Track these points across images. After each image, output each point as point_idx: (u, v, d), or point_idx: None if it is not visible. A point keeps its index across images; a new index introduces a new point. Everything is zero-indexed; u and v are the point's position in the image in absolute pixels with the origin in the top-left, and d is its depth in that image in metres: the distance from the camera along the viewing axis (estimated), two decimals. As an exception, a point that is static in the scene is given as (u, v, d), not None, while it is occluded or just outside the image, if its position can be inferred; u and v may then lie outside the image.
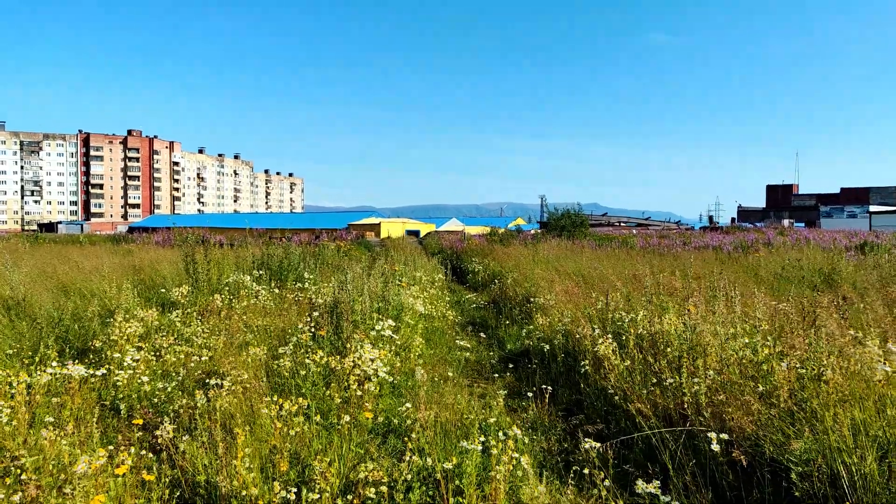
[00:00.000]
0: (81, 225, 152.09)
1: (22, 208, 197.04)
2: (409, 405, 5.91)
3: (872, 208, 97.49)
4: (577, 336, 7.55)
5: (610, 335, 6.80)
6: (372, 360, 6.20)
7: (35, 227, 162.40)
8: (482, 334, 10.91)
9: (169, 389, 6.64)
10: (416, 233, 74.67)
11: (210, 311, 10.25)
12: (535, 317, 9.39)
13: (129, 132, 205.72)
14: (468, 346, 10.25)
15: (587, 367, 6.78)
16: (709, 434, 4.22)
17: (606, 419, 6.13)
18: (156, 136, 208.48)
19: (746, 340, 5.21)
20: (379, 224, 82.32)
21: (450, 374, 7.94)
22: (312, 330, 7.07)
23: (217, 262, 12.93)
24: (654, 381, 5.68)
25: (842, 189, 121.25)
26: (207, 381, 6.44)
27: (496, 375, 8.27)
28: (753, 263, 16.34)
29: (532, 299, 10.87)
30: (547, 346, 8.06)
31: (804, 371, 4.20)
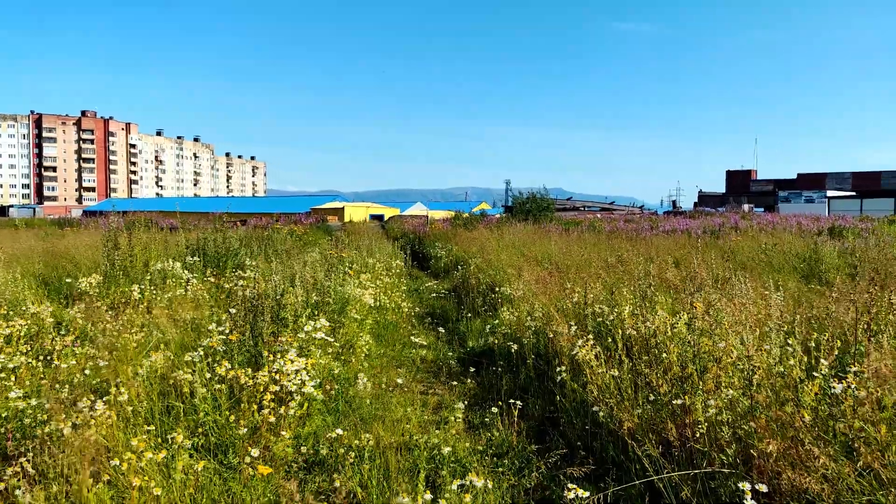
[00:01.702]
0: (34, 209, 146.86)
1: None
2: (340, 431, 4.66)
3: (830, 193, 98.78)
4: (551, 335, 6.35)
5: (591, 335, 5.61)
6: (297, 372, 4.91)
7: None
8: (441, 329, 9.67)
9: (47, 407, 5.27)
10: (380, 217, 73.22)
11: (126, 305, 8.84)
12: (501, 310, 8.19)
13: (84, 113, 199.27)
14: (425, 343, 8.99)
15: (564, 375, 5.59)
16: (740, 484, 3.06)
17: (589, 443, 4.94)
18: (111, 118, 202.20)
19: (779, 353, 4.03)
20: (342, 208, 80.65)
21: (399, 380, 6.69)
22: (226, 332, 5.74)
23: (143, 246, 11.44)
24: (651, 397, 4.51)
25: (798, 174, 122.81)
26: (100, 395, 5.09)
27: (454, 382, 7.04)
28: (730, 248, 15.39)
29: (497, 289, 9.65)
30: (515, 346, 6.85)
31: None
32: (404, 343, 8.92)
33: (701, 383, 4.24)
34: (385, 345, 8.84)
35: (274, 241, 16.53)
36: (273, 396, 4.62)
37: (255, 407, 4.52)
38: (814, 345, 4.38)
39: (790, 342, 4.19)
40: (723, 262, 9.92)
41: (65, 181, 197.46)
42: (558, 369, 5.71)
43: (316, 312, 6.90)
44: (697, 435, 3.70)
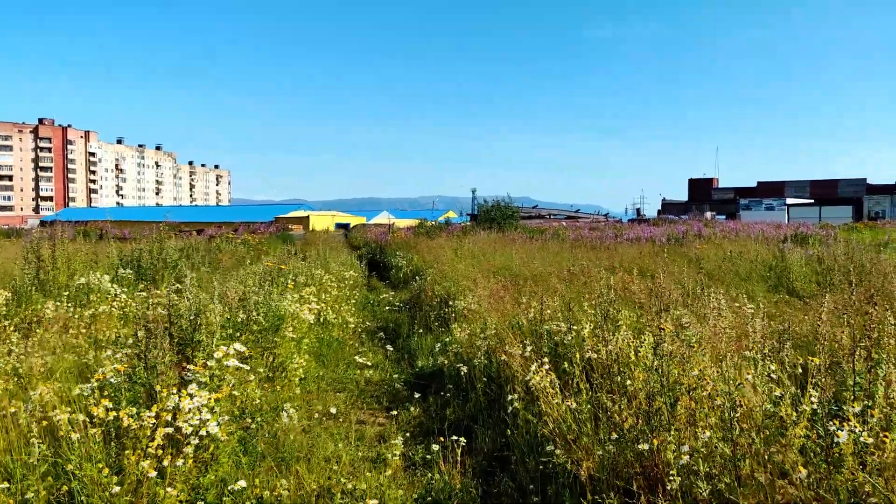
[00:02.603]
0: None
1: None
2: (243, 483, 3.90)
3: (790, 201, 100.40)
4: (503, 357, 5.66)
5: (546, 358, 4.93)
6: (198, 409, 4.12)
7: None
8: (390, 346, 8.91)
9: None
10: (346, 226, 72.23)
11: (39, 323, 7.96)
12: (453, 327, 7.48)
13: (41, 121, 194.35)
14: (371, 362, 8.25)
15: (516, 404, 4.90)
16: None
17: (543, 487, 4.24)
18: (70, 126, 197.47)
19: (762, 385, 3.38)
20: (307, 217, 79.44)
21: (333, 409, 5.92)
22: (122, 360, 4.93)
23: (67, 259, 10.49)
24: (613, 435, 3.83)
25: (759, 183, 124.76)
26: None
27: (397, 409, 6.31)
28: (696, 256, 14.93)
29: (451, 302, 8.95)
30: (464, 368, 6.14)
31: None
32: (349, 363, 8.16)
33: (672, 418, 3.58)
34: (327, 366, 8.07)
35: (222, 251, 15.60)
36: (164, 441, 3.84)
37: (141, 454, 3.74)
38: (800, 371, 3.76)
39: (772, 368, 3.56)
40: (690, 272, 9.38)
41: (21, 190, 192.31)
42: (510, 397, 5.02)
43: (238, 333, 6.11)
44: (669, 489, 3.03)
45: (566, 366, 4.85)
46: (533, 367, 4.85)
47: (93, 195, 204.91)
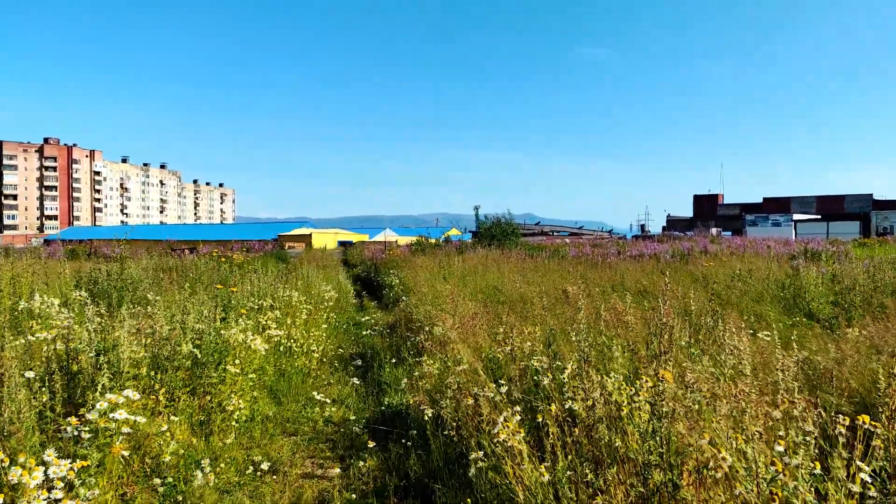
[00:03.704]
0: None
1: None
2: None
3: (796, 216, 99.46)
4: (470, 401, 4.66)
5: (519, 405, 3.95)
6: (50, 482, 3.15)
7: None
8: (361, 378, 7.90)
9: None
10: (348, 243, 71.57)
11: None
12: (424, 359, 6.49)
13: (46, 140, 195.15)
14: (334, 397, 7.25)
15: (480, 463, 3.91)
16: None
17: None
18: (75, 145, 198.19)
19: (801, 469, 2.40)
20: (310, 235, 78.79)
21: (266, 464, 4.93)
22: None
23: (12, 279, 9.54)
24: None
25: (764, 198, 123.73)
26: None
27: (352, 459, 5.31)
28: (702, 274, 13.92)
29: (427, 328, 7.95)
30: (430, 411, 5.15)
31: None
32: (309, 398, 7.16)
33: (674, 504, 2.60)
34: (283, 402, 7.08)
35: (197, 270, 14.65)
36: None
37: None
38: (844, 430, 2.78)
39: (806, 439, 2.58)
40: (697, 294, 8.41)
41: (26, 209, 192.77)
42: (472, 455, 4.02)
43: (155, 373, 5.14)
44: None
45: (543, 420, 3.86)
46: (501, 419, 3.87)
47: (97, 214, 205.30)
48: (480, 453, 4.04)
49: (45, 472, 3.16)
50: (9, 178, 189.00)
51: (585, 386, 3.52)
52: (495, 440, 3.80)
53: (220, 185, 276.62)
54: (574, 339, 5.11)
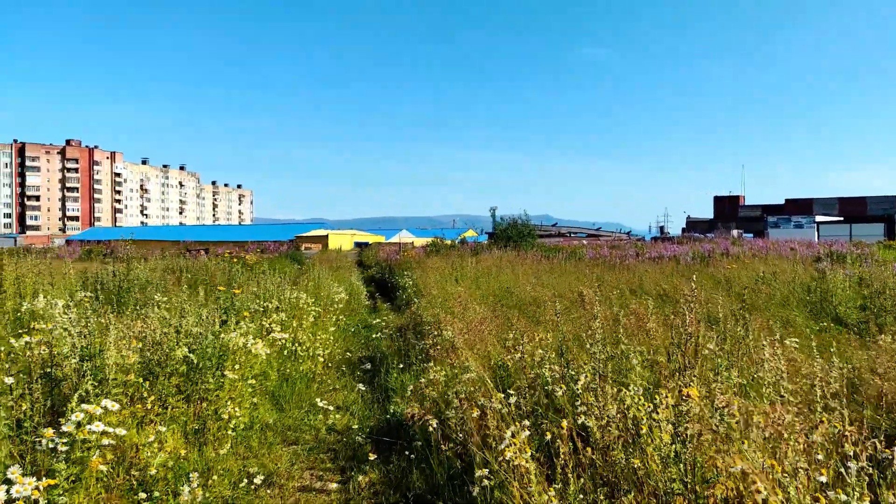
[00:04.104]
0: (15, 238, 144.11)
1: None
2: None
3: (819, 218, 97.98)
4: (475, 413, 4.35)
5: (528, 419, 3.64)
6: (17, 500, 2.89)
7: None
8: (362, 385, 7.60)
9: None
10: (365, 244, 71.55)
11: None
12: (431, 365, 6.18)
13: (68, 142, 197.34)
14: (339, 403, 6.97)
15: (487, 483, 3.61)
16: None
17: None
18: (96, 147, 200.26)
19: None
20: (326, 236, 78.84)
21: (260, 478, 4.64)
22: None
23: (17, 280, 9.39)
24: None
25: (786, 200, 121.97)
26: None
27: (353, 471, 5.02)
28: (725, 277, 13.50)
29: (435, 332, 7.64)
30: (434, 422, 4.85)
31: None
32: (312, 405, 6.89)
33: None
34: (287, 409, 6.80)
35: (207, 272, 14.47)
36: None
37: None
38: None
39: (851, 467, 2.25)
40: (719, 297, 8.04)
41: (48, 210, 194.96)
42: (478, 473, 3.71)
43: (144, 379, 4.87)
44: None
45: (552, 432, 3.54)
46: (508, 434, 3.56)
47: (118, 215, 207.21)
48: (485, 471, 3.73)
49: (8, 490, 2.91)
50: (31, 179, 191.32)
51: (600, 403, 3.19)
52: (501, 458, 3.49)
53: (238, 186, 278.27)
54: (589, 347, 4.78)
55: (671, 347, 3.54)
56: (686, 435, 2.59)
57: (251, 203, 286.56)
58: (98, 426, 3.51)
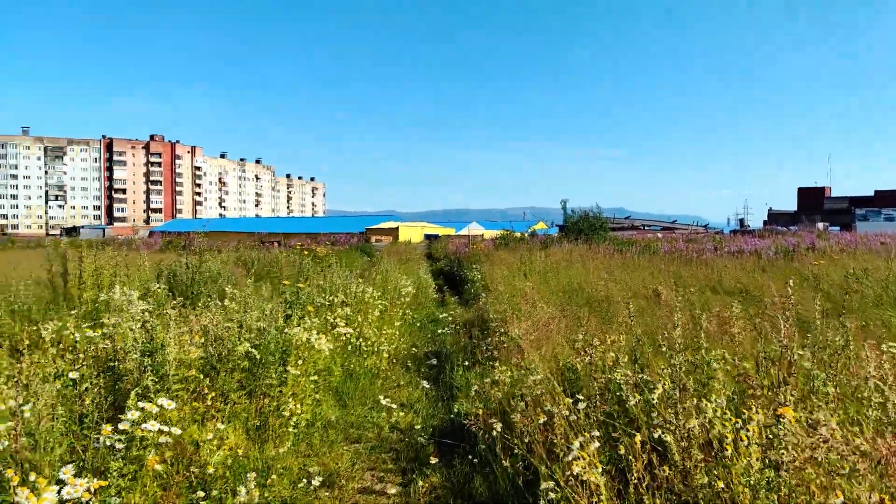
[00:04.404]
0: (103, 229, 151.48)
1: (46, 213, 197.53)
2: None
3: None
4: (542, 419, 4.10)
5: (598, 429, 3.38)
6: (68, 502, 2.84)
7: (59, 232, 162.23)
8: (427, 383, 7.42)
9: None
10: (434, 237, 71.81)
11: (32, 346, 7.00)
12: (496, 365, 5.96)
13: (152, 137, 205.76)
14: (403, 401, 6.84)
15: (553, 496, 3.37)
16: None
17: None
18: (178, 141, 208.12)
19: None
20: (397, 228, 79.49)
21: (319, 478, 4.52)
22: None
23: (95, 272, 9.67)
24: None
25: (876, 192, 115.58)
26: None
27: (414, 474, 4.86)
28: (812, 274, 12.73)
29: (502, 329, 7.40)
30: (498, 426, 4.63)
31: None
32: (375, 402, 6.78)
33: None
34: (350, 405, 6.72)
35: (278, 264, 14.65)
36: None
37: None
38: None
39: None
40: (807, 296, 7.50)
41: (133, 202, 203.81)
42: (543, 486, 3.48)
43: (205, 375, 4.83)
44: None
45: (626, 444, 3.26)
46: (576, 444, 3.31)
47: (198, 207, 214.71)
48: (551, 483, 3.49)
49: (59, 491, 2.86)
50: (118, 173, 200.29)
51: (680, 420, 2.90)
52: (568, 472, 3.25)
53: (312, 179, 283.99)
54: (666, 351, 4.45)
55: (760, 358, 3.20)
56: (781, 460, 2.28)
57: (324, 196, 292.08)
58: (154, 425, 3.45)
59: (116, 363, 4.41)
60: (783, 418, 2.41)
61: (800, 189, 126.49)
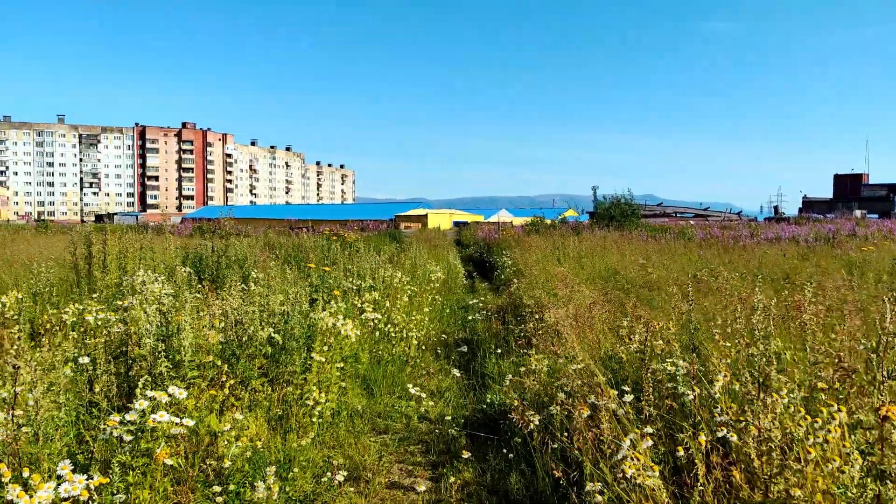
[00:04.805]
0: (136, 216, 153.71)
1: (81, 199, 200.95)
2: None
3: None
4: (585, 413, 3.75)
5: (651, 426, 3.02)
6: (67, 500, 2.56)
7: (93, 218, 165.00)
8: (457, 371, 7.09)
9: None
10: (463, 223, 71.40)
11: (49, 331, 6.83)
12: (532, 353, 5.60)
13: (184, 125, 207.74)
14: (433, 389, 6.54)
15: (600, 499, 3.03)
16: None
17: None
18: (209, 129, 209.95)
19: None
20: (426, 215, 79.22)
21: (343, 473, 4.23)
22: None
23: (120, 254, 9.50)
24: None
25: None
26: None
27: (444, 468, 4.55)
28: (861, 259, 12.14)
29: (538, 316, 7.04)
30: (536, 419, 4.29)
31: None
32: (404, 390, 6.48)
33: None
34: (378, 393, 6.43)
35: (305, 249, 14.43)
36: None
37: None
38: None
39: None
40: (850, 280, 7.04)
41: (166, 189, 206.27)
42: (589, 486, 3.14)
43: (223, 361, 4.55)
44: None
45: (684, 446, 2.91)
46: (627, 443, 2.96)
47: (229, 194, 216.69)
48: (598, 485, 3.14)
49: (56, 489, 2.59)
50: (151, 160, 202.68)
51: (759, 422, 2.52)
52: (618, 473, 2.90)
53: (341, 166, 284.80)
54: (718, 336, 4.06)
55: (845, 348, 2.81)
56: (891, 469, 1.91)
57: (353, 183, 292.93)
58: (162, 415, 3.18)
59: (129, 348, 4.16)
60: (889, 419, 2.04)
61: (836, 176, 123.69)
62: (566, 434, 4.18)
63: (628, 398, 3.77)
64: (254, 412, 4.74)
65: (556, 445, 4.18)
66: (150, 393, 3.20)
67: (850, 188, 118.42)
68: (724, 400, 3.06)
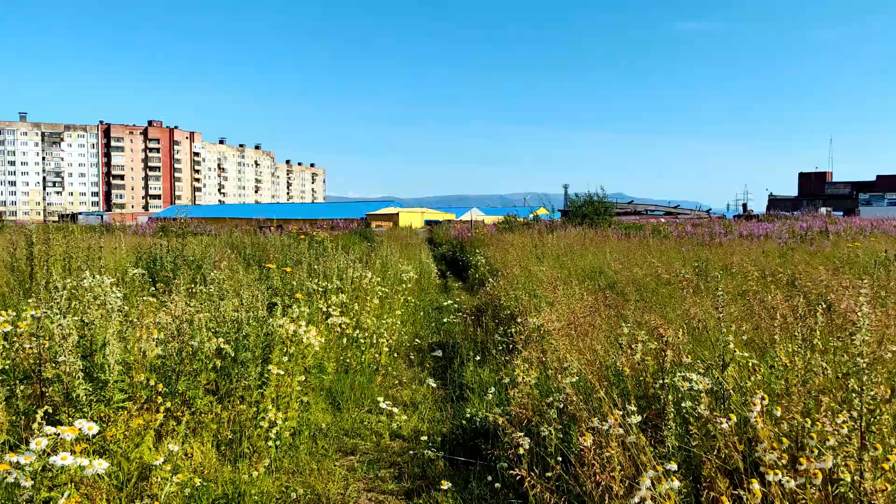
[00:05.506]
0: (101, 215, 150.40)
1: (44, 199, 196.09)
2: None
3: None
4: (587, 440, 3.18)
5: (673, 464, 2.46)
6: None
7: (56, 219, 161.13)
8: (432, 380, 6.49)
9: None
10: (435, 222, 70.84)
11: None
12: (517, 362, 5.01)
13: (150, 123, 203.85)
14: (406, 400, 5.93)
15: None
16: None
17: None
18: (176, 127, 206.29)
19: None
20: (397, 214, 78.53)
21: (322, 488, 3.61)
22: None
23: (65, 255, 8.73)
24: None
25: (878, 176, 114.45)
26: None
27: (420, 498, 3.95)
28: (847, 257, 11.82)
29: (519, 320, 6.44)
30: (526, 443, 3.70)
31: None
32: (375, 403, 5.86)
33: None
34: (345, 408, 5.80)
35: (267, 249, 13.70)
36: None
37: None
38: None
39: None
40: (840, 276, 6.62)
41: (132, 189, 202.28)
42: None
43: (162, 380, 3.90)
44: None
45: (711, 471, 2.34)
46: (646, 482, 2.39)
47: (197, 193, 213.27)
48: (611, 533, 2.57)
49: None
50: (116, 159, 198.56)
51: (865, 479, 1.95)
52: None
53: (312, 165, 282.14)
54: (732, 345, 3.51)
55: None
56: None
57: (324, 182, 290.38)
58: (65, 457, 2.53)
59: (43, 367, 3.49)
60: None
61: (801, 174, 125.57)
62: (561, 460, 3.60)
63: (634, 419, 3.21)
64: (199, 436, 4.09)
65: (549, 474, 3.60)
66: (49, 429, 2.55)
67: (814, 186, 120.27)
68: (765, 428, 2.50)
